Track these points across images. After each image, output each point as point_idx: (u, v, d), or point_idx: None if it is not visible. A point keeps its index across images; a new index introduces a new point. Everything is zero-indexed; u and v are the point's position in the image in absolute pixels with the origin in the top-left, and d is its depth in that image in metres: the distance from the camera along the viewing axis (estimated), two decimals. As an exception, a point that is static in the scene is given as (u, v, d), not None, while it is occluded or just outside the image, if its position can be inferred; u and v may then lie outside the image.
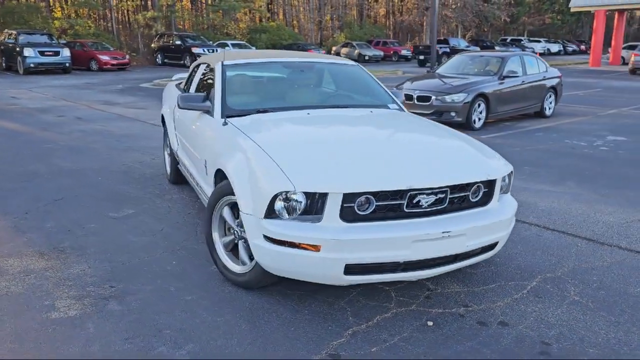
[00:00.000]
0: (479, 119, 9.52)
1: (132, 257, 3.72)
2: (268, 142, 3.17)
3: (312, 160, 2.95)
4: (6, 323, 2.82)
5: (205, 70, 4.70)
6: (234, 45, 30.35)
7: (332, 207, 2.71)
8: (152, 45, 30.53)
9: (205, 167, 3.72)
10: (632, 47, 31.16)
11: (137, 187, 5.53)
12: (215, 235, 3.40)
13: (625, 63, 31.01)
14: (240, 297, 3.14)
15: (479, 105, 9.43)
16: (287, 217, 2.78)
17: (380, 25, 49.45)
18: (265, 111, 3.86)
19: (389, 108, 4.30)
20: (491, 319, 2.93)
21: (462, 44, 31.93)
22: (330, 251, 2.67)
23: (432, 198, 2.86)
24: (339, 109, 4.03)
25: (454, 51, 30.19)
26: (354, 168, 2.86)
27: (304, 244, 2.70)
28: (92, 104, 12.69)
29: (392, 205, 2.80)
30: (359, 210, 2.76)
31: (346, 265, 2.70)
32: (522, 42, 46.46)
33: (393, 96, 4.50)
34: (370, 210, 2.78)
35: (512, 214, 3.15)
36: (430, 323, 2.87)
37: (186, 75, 6.52)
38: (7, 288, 3.22)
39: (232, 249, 3.37)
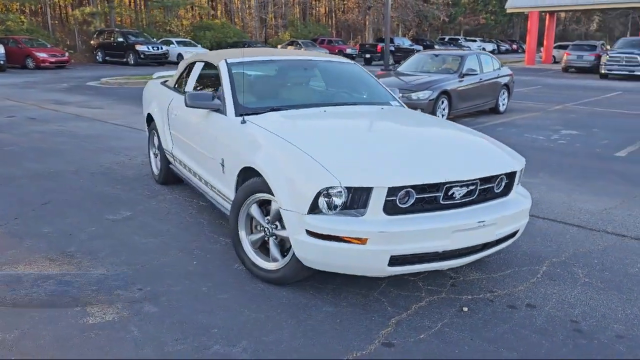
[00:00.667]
0: (442, 115, 9.87)
1: (149, 259, 3.65)
2: (299, 139, 3.20)
3: (349, 156, 3.03)
4: (43, 331, 2.72)
5: (204, 68, 4.64)
6: (179, 42, 29.71)
7: (377, 200, 2.80)
8: (92, 42, 29.37)
9: (222, 165, 3.70)
10: (562, 47, 33.05)
11: (124, 188, 5.38)
12: (242, 234, 3.41)
13: (556, 62, 32.86)
14: (275, 294, 3.16)
15: (443, 102, 9.78)
16: (330, 212, 2.84)
17: (323, 23, 49.80)
18: (279, 109, 3.88)
19: (391, 105, 4.43)
20: (518, 302, 3.12)
21: (406, 42, 32.81)
22: (377, 244, 2.76)
23: (465, 190, 3.00)
24: (350, 106, 4.12)
25: (398, 50, 30.93)
26: (394, 163, 2.96)
27: (349, 237, 2.77)
28: (42, 104, 12.10)
29: (429, 197, 2.93)
30: (400, 203, 2.86)
31: (391, 256, 2.80)
32: (459, 41, 48.14)
33: (392, 93, 4.64)
34: (410, 203, 2.88)
35: (530, 203, 3.36)
36: (465, 309, 3.02)
37: (168, 73, 6.41)
38: (29, 295, 3.09)
39: (259, 246, 3.39)
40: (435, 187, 2.91)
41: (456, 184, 2.96)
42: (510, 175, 3.28)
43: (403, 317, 2.92)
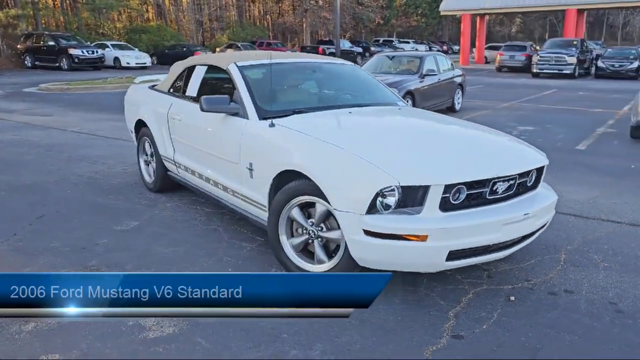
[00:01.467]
0: (408, 115, 10.13)
1: (181, 268, 3.54)
2: (344, 141, 3.23)
3: (398, 156, 3.10)
4: (106, 349, 2.59)
5: (208, 72, 4.55)
6: (114, 46, 28.60)
7: (433, 198, 2.87)
8: (19, 46, 27.67)
9: (250, 170, 3.65)
10: (492, 48, 34.74)
11: (117, 198, 5.16)
12: (283, 238, 3.38)
13: (487, 62, 34.48)
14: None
15: (408, 101, 10.03)
16: (385, 211, 2.89)
17: (260, 26, 49.54)
18: (300, 112, 3.87)
19: (399, 104, 4.53)
20: (556, 289, 3.30)
21: (346, 44, 33.33)
22: (437, 240, 2.83)
23: (506, 185, 3.15)
24: (369, 107, 4.18)
25: (340, 52, 31.31)
26: (443, 161, 3.06)
27: (409, 235, 2.83)
28: (-17, 112, 11.31)
29: (477, 193, 3.04)
30: (452, 200, 2.96)
31: (449, 251, 2.88)
32: (393, 42, 49.43)
33: (396, 94, 4.75)
34: (461, 199, 2.98)
35: (556, 196, 3.56)
36: (512, 298, 3.16)
37: (152, 77, 6.20)
38: (71, 314, 2.92)
39: (301, 249, 3.38)
40: (482, 182, 3.03)
41: (501, 179, 3.09)
42: (539, 170, 3.46)
43: (458, 310, 3.02)
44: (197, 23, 42.76)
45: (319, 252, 3.26)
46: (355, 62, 25.63)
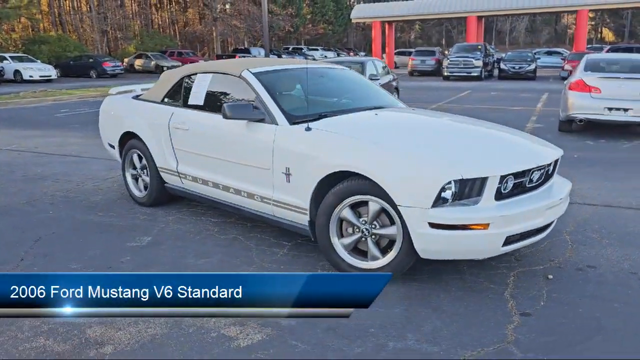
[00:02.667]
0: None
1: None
2: (393, 140, 3.41)
3: (449, 151, 3.32)
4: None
5: (214, 79, 4.48)
6: (13, 58, 26.49)
7: (490, 189, 3.11)
8: None
9: (287, 174, 3.67)
10: (402, 54, 36.43)
11: (110, 215, 4.91)
12: (335, 239, 3.46)
13: (397, 67, 36.10)
14: (388, 291, 3.28)
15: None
16: (446, 204, 3.08)
17: (167, 35, 48.14)
18: (326, 115, 3.97)
19: (402, 106, 4.77)
20: (580, 265, 3.66)
21: (262, 52, 33.24)
22: (497, 227, 3.07)
23: (539, 174, 3.46)
24: (386, 109, 4.35)
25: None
26: (491, 154, 3.33)
27: (473, 224, 3.04)
28: None
29: (519, 182, 3.32)
30: (503, 189, 3.21)
31: (506, 237, 3.13)
32: (302, 50, 50.15)
33: (394, 96, 4.98)
34: (509, 189, 3.25)
35: (570, 182, 3.94)
36: (550, 276, 3.47)
37: (129, 87, 5.96)
38: (144, 331, 2.80)
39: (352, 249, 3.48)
40: (525, 172, 3.31)
41: (537, 169, 3.40)
42: (556, 160, 3.82)
43: (510, 290, 3.27)
44: (102, 33, 40.72)
45: (373, 249, 3.37)
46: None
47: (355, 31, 69.39)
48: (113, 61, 30.50)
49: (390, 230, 3.29)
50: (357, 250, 3.47)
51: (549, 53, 33.73)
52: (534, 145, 3.75)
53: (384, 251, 3.36)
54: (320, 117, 3.93)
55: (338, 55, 55.39)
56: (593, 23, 39.23)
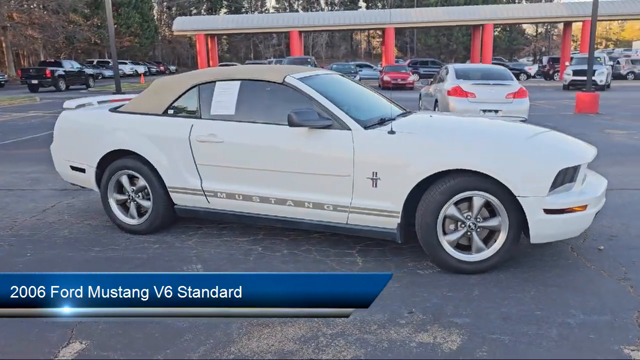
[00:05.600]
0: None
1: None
2: (490, 138, 3.71)
3: (541, 143, 3.70)
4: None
5: (245, 86, 4.14)
6: None
7: (580, 174, 3.54)
8: None
9: (375, 179, 3.61)
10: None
11: (105, 250, 4.17)
12: (441, 238, 3.54)
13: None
14: (476, 280, 3.49)
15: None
16: (554, 191, 3.42)
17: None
18: (383, 120, 4.01)
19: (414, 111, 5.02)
20: (606, 237, 4.30)
21: (75, 65, 29.94)
22: (592, 207, 3.52)
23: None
24: (420, 113, 4.53)
25: (70, 74, 28.18)
26: (564, 146, 3.77)
27: (577, 207, 3.44)
28: None
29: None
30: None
31: (595, 214, 3.59)
32: (109, 64, 46.74)
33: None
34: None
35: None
36: (601, 247, 4.04)
37: (89, 100, 5.10)
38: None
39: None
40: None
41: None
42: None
43: (579, 263, 3.75)
44: None
45: (478, 241, 3.54)
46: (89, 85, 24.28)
47: (162, 44, 67.07)
48: None
49: (493, 222, 3.51)
50: (458, 244, 3.61)
51: (360, 66, 36.97)
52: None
53: (492, 241, 3.56)
54: (382, 120, 3.96)
55: (149, 69, 52.95)
56: (381, 39, 44.69)
